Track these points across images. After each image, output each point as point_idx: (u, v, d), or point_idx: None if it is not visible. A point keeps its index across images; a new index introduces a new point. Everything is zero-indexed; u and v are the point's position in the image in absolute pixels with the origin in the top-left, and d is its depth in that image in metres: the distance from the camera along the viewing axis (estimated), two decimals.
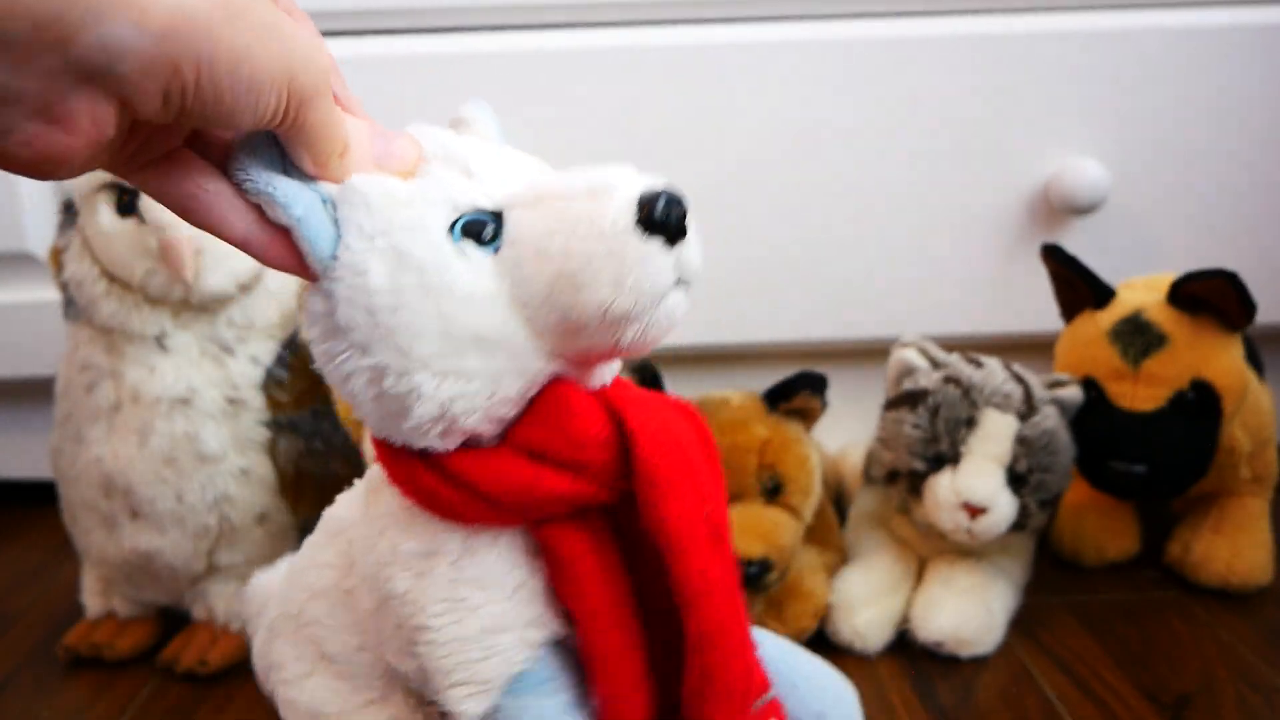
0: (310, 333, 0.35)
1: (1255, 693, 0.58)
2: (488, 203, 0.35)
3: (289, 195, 0.33)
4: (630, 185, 0.33)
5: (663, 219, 0.32)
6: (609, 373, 0.38)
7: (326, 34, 0.84)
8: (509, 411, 0.35)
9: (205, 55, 0.27)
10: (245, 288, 0.59)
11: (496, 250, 0.34)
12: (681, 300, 0.34)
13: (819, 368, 0.64)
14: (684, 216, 0.32)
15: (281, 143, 0.33)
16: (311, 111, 0.32)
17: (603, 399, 0.36)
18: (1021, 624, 0.66)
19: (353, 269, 0.33)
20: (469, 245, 0.34)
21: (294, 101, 0.31)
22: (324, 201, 0.34)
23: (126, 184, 0.56)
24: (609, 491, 0.36)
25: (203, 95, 0.28)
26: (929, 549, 0.67)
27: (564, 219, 0.33)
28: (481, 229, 0.34)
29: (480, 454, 0.35)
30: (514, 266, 0.33)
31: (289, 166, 0.33)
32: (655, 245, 0.32)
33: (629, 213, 0.32)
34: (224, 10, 0.28)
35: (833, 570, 0.67)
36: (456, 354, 0.33)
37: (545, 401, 0.35)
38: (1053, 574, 0.73)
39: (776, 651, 0.43)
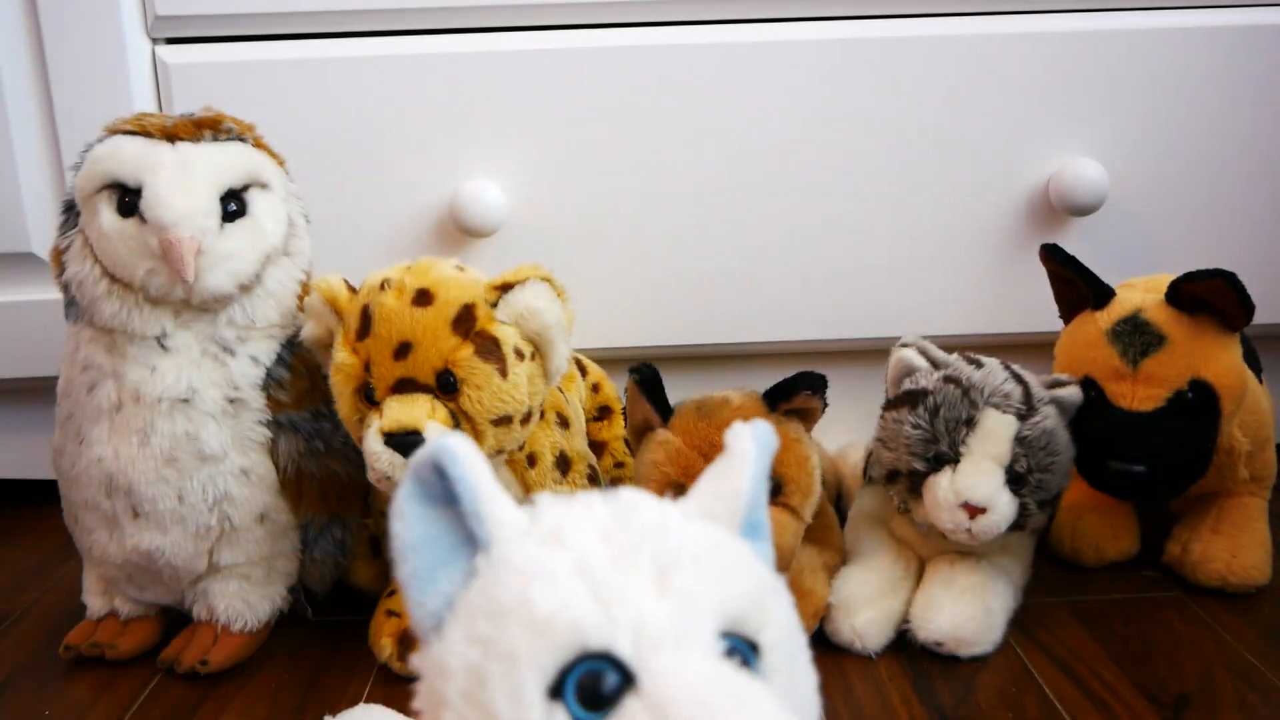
0: None
1: (1254, 692, 0.58)
2: (625, 647, 0.27)
3: None
4: None
5: None
6: None
7: (328, 34, 0.85)
8: None
9: None
10: (246, 288, 0.60)
11: None
12: None
13: (819, 368, 0.64)
14: None
15: None
16: None
17: None
18: (1021, 624, 0.66)
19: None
20: (562, 710, 0.26)
21: None
22: None
23: (128, 184, 0.57)
24: None
25: None
26: (929, 549, 0.67)
27: None
28: (598, 683, 0.26)
29: None
30: None
31: None
32: None
33: None
34: None
35: (833, 570, 0.67)
36: None
37: None
38: (1053, 574, 0.73)
39: None
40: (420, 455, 0.31)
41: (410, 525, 0.30)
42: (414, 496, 0.31)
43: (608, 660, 0.27)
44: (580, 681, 0.26)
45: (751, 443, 0.33)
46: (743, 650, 0.28)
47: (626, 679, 0.27)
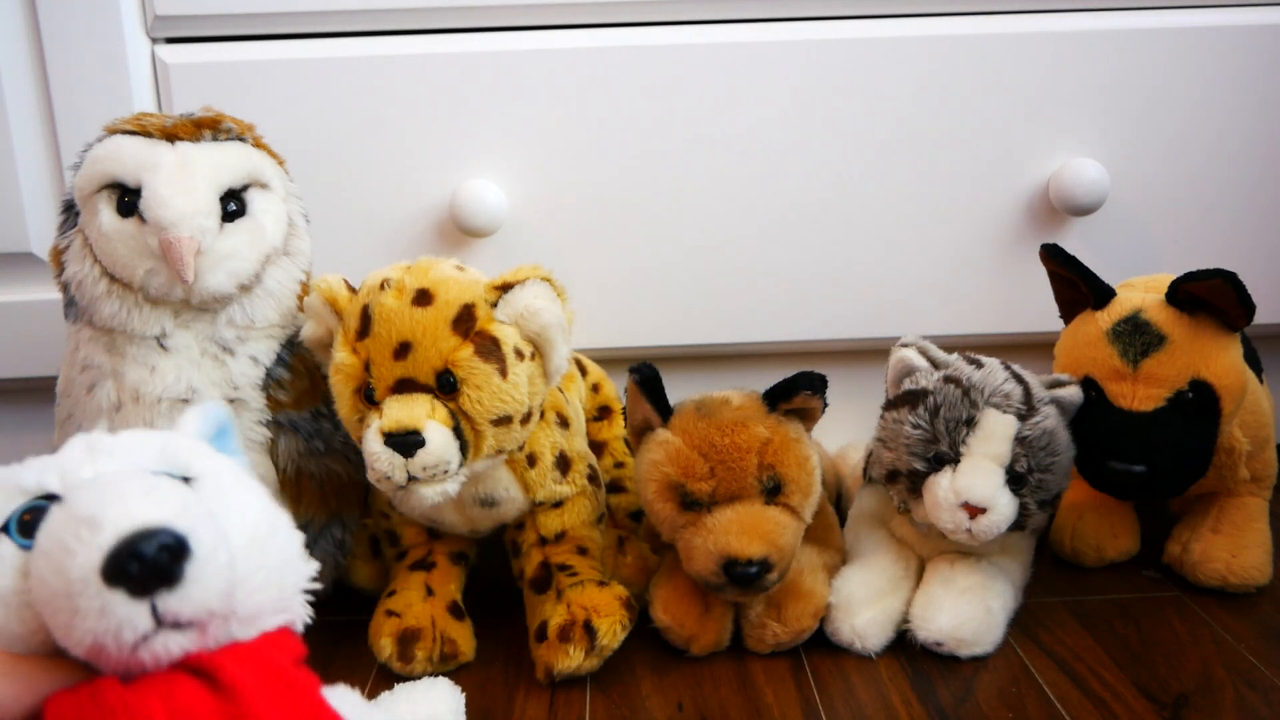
0: None
1: (1254, 691, 0.58)
2: (56, 484, 0.34)
3: None
4: (116, 521, 0.30)
5: (126, 571, 0.30)
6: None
7: (327, 34, 0.85)
8: None
9: None
10: (245, 288, 0.60)
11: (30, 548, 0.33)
12: (178, 641, 0.31)
13: (819, 368, 0.64)
14: (159, 567, 0.30)
15: None
16: (8, 703, 0.32)
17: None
18: (1021, 624, 0.66)
19: None
20: (4, 539, 0.33)
21: None
22: None
23: (128, 184, 0.57)
24: None
25: None
26: (929, 549, 0.67)
27: (51, 543, 0.31)
28: (38, 517, 0.33)
29: None
30: (34, 563, 0.32)
31: None
32: (119, 597, 0.30)
33: (96, 560, 0.30)
34: None
35: (833, 570, 0.67)
36: None
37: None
38: (1053, 574, 0.73)
39: None
40: None
41: None
42: None
43: (45, 500, 0.34)
44: (23, 518, 0.33)
45: (196, 413, 0.42)
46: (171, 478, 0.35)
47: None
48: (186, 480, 0.36)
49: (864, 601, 0.64)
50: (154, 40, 0.78)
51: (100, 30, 0.75)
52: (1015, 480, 0.60)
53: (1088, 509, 0.75)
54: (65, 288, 0.60)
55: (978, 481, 0.59)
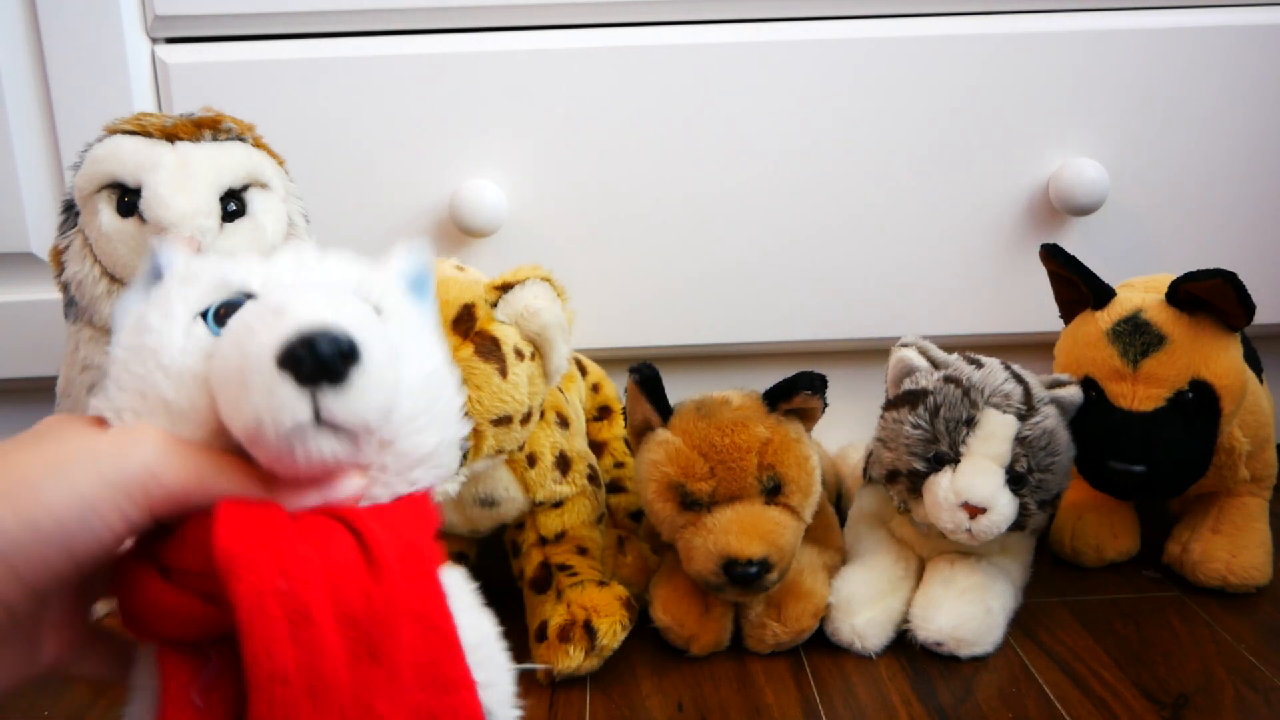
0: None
1: (1254, 691, 0.58)
2: (259, 285, 0.36)
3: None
4: (300, 314, 0.32)
5: (298, 357, 0.31)
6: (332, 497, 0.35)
7: (327, 34, 0.85)
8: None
9: None
10: None
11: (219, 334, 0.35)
12: (331, 445, 0.32)
13: (819, 368, 0.64)
14: (328, 362, 0.31)
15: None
16: (176, 489, 0.32)
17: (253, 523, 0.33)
18: (1021, 624, 0.66)
19: (119, 318, 0.37)
20: (201, 323, 0.35)
21: (138, 489, 0.31)
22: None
23: (128, 183, 0.57)
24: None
25: (27, 568, 0.29)
26: (929, 549, 0.67)
27: (238, 324, 0.33)
28: (233, 310, 0.35)
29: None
30: (220, 348, 0.33)
31: None
32: (286, 381, 0.31)
33: (274, 343, 0.31)
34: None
35: (833, 570, 0.67)
36: (150, 414, 0.34)
37: (196, 519, 0.33)
38: (1053, 574, 0.73)
39: None
40: (146, 256, 0.40)
41: (134, 290, 0.38)
42: (138, 283, 0.38)
43: (245, 297, 0.35)
44: (219, 311, 0.35)
45: (405, 250, 0.42)
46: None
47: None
48: (376, 312, 0.37)
49: (864, 601, 0.64)
50: (154, 40, 0.78)
51: (100, 30, 0.75)
52: (1015, 480, 0.60)
53: (1088, 509, 0.75)
54: (65, 288, 0.60)
55: (978, 481, 0.59)
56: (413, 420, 0.36)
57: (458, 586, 0.39)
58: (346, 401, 0.32)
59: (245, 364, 0.31)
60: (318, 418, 0.32)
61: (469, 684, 0.34)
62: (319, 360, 0.31)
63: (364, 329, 0.33)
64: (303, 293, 0.33)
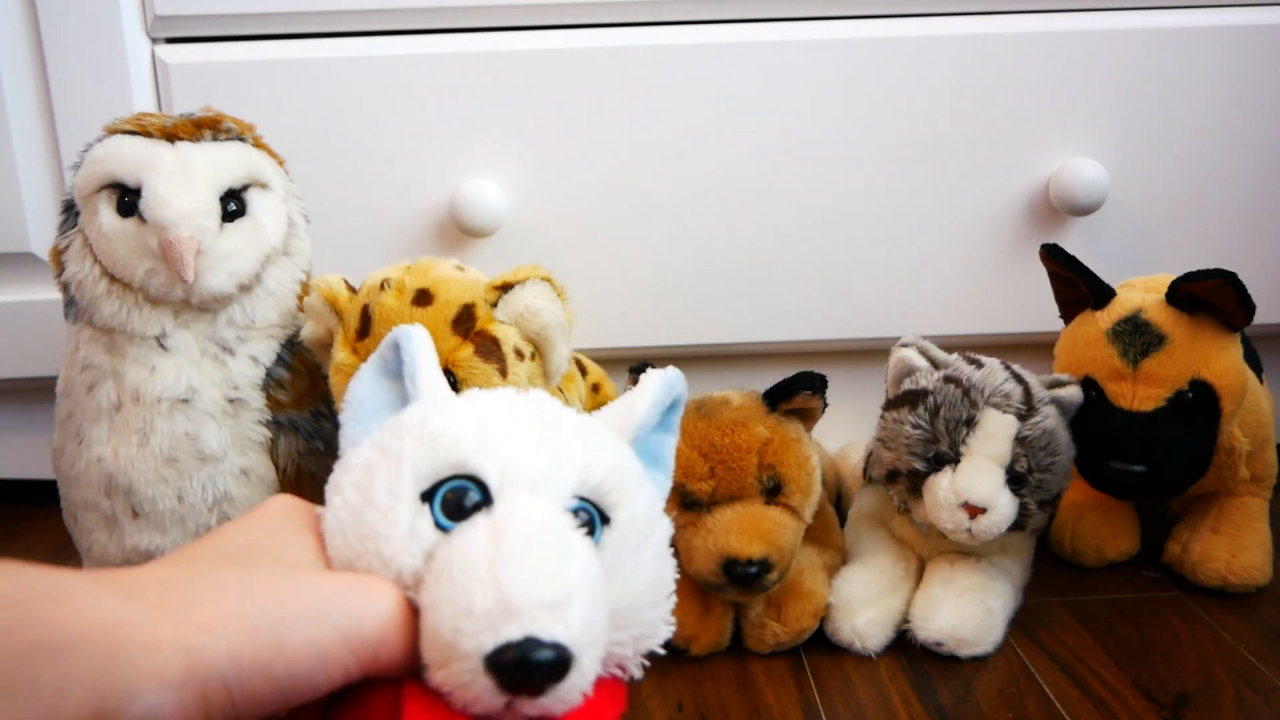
0: None
1: (1254, 691, 0.58)
2: (492, 476, 0.34)
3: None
4: (521, 621, 0.30)
5: (509, 671, 0.30)
6: None
7: (327, 34, 0.84)
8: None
9: (229, 675, 0.28)
10: (245, 288, 0.60)
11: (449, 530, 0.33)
12: (523, 715, 0.31)
13: (819, 368, 0.64)
14: (537, 683, 0.30)
15: None
16: (399, 658, 0.32)
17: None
18: (1021, 624, 0.66)
19: (343, 462, 0.36)
20: (427, 512, 0.33)
21: (368, 651, 0.31)
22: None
23: (128, 184, 0.57)
24: None
25: (245, 703, 0.29)
26: (929, 549, 0.67)
27: (459, 593, 0.31)
28: (462, 498, 0.33)
29: None
30: (439, 571, 0.32)
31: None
32: (488, 680, 0.30)
33: (488, 643, 0.30)
34: (239, 627, 0.29)
35: (833, 570, 0.67)
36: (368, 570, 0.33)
37: (380, 687, 0.32)
38: (1053, 574, 0.73)
39: None
40: (385, 338, 0.38)
41: (363, 383, 0.37)
42: (373, 367, 0.37)
43: (475, 484, 0.33)
44: (447, 495, 0.33)
45: (657, 378, 0.40)
46: (592, 516, 0.35)
47: (486, 503, 0.33)
48: (605, 519, 0.35)
49: (864, 601, 0.64)
50: (154, 40, 0.78)
51: (100, 30, 0.75)
52: (1015, 480, 0.60)
53: (1088, 509, 0.75)
54: (65, 288, 0.60)
55: (978, 481, 0.59)
56: (621, 631, 0.35)
57: None
58: (541, 705, 0.31)
59: (453, 651, 0.30)
60: (509, 705, 0.31)
61: None
62: (526, 679, 0.30)
63: (585, 630, 0.31)
64: (527, 564, 0.31)
